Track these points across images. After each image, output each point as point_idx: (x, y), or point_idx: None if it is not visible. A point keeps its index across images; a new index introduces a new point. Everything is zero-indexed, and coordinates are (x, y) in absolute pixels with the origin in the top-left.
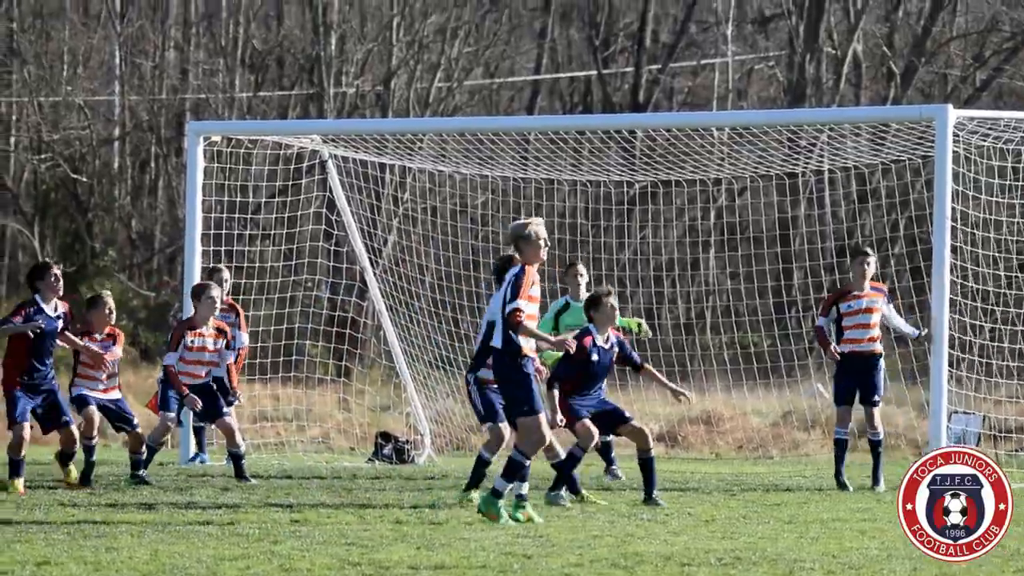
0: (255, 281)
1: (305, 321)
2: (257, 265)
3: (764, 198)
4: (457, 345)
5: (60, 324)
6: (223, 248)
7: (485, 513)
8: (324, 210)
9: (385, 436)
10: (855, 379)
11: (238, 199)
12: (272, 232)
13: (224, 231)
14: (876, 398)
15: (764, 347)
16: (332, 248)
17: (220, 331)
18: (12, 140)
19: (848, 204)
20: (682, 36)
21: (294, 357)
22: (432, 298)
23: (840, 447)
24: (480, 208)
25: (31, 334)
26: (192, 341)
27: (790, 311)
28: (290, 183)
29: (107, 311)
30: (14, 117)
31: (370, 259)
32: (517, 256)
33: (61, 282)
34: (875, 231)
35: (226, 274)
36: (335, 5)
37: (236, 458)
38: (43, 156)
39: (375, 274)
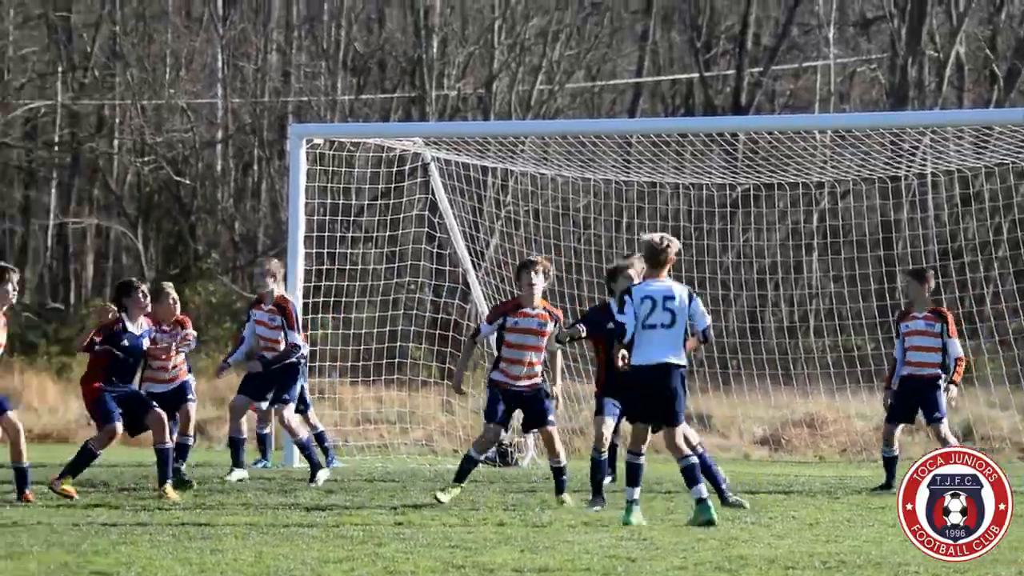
0: (358, 283)
1: (408, 324)
2: (360, 267)
3: (867, 201)
4: (558, 347)
5: (146, 343)
6: (325, 250)
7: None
8: (427, 212)
9: None
10: (914, 400)
11: (341, 201)
12: (375, 235)
13: (327, 233)
14: (937, 415)
15: (868, 350)
16: (435, 250)
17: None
18: (116, 142)
19: (951, 208)
20: (784, 39)
21: (397, 360)
22: None
23: (890, 464)
24: (582, 211)
25: (116, 353)
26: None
27: (893, 314)
28: (392, 186)
29: (171, 301)
30: (117, 120)
31: (472, 261)
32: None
33: (148, 299)
34: (978, 235)
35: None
36: (437, 8)
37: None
38: (146, 159)
39: (477, 276)
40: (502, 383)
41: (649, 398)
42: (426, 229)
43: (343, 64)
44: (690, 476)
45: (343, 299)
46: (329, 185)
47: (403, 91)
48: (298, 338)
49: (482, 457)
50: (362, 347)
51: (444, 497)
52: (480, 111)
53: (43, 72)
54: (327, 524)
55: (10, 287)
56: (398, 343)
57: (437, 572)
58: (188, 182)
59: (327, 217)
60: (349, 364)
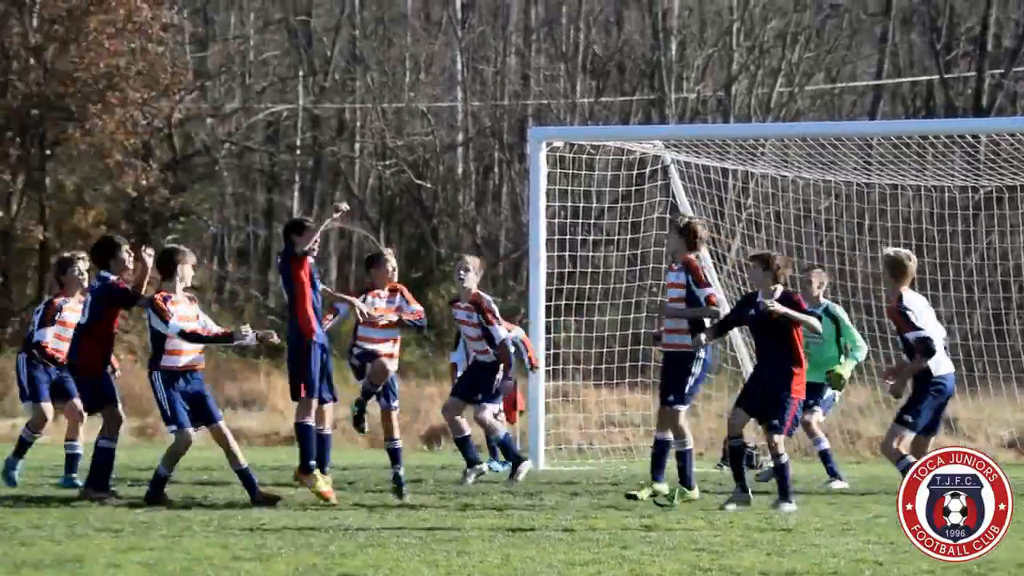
0: (599, 287)
1: (651, 326)
2: (602, 271)
3: None
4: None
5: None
6: (567, 253)
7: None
8: (667, 215)
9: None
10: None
11: (581, 204)
12: (616, 237)
13: (568, 236)
14: None
15: None
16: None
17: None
18: (357, 146)
19: None
20: None
21: (640, 362)
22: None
23: None
24: (823, 213)
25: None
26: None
27: None
28: (633, 188)
29: (390, 268)
30: (358, 123)
31: (714, 264)
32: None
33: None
34: None
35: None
36: (675, 10)
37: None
38: (388, 162)
39: (719, 279)
40: None
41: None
42: (667, 231)
43: (582, 67)
44: None
45: (585, 302)
46: (569, 188)
47: (642, 93)
48: (501, 331)
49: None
50: (605, 350)
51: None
52: (720, 113)
53: (284, 76)
54: (573, 527)
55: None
56: (641, 346)
57: (683, 575)
58: (429, 185)
59: (568, 220)
60: (592, 367)
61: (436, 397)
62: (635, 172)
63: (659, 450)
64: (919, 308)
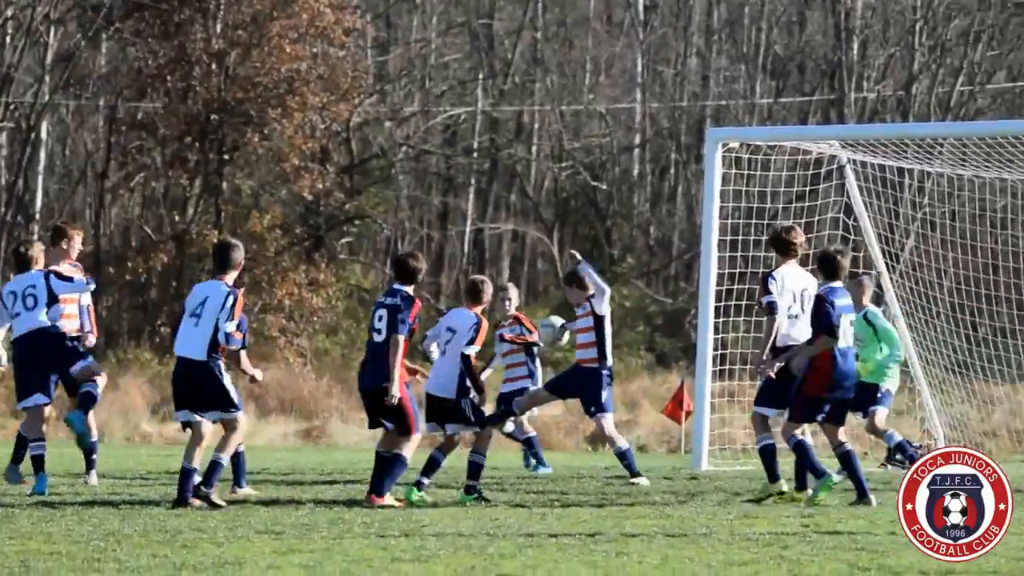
0: None
1: None
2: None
3: None
4: (975, 349)
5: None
6: (739, 254)
7: None
8: (841, 215)
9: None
10: None
11: (755, 205)
12: None
13: (741, 237)
14: None
15: None
16: (851, 253)
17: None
18: (534, 148)
19: None
20: None
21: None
22: (950, 302)
23: None
24: (1000, 212)
25: None
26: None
27: None
28: (808, 188)
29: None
30: (536, 125)
31: (887, 264)
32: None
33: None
34: None
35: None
36: (858, 10)
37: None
38: (564, 164)
39: (891, 279)
40: None
41: None
42: (840, 232)
43: (762, 67)
44: None
45: (754, 302)
46: (744, 188)
47: (821, 93)
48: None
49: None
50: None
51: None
52: (899, 113)
53: (464, 79)
54: (733, 527)
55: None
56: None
57: (842, 575)
58: (604, 187)
59: (741, 221)
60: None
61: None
62: (811, 172)
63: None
64: None
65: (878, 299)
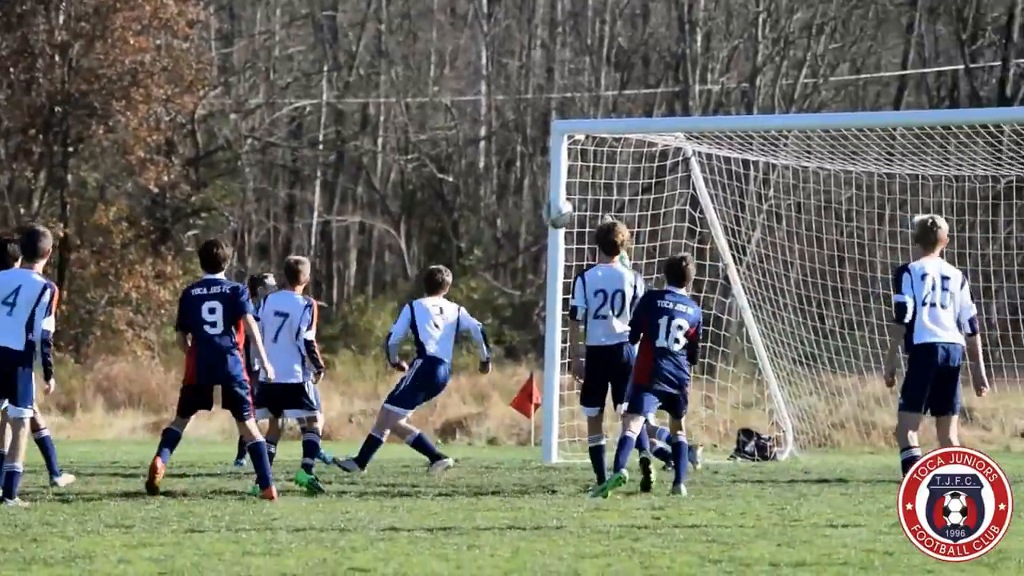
0: None
1: None
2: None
3: None
4: (822, 341)
5: None
6: (587, 246)
7: None
8: (687, 208)
9: (747, 433)
10: None
11: (602, 197)
12: (636, 230)
13: (588, 229)
14: None
15: None
16: (696, 245)
17: None
18: (379, 141)
19: None
20: None
21: None
22: (797, 294)
23: None
24: (845, 204)
25: None
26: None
27: None
28: (654, 181)
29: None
30: (382, 118)
31: (733, 256)
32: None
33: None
34: None
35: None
36: (701, 2)
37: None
38: (410, 156)
39: (738, 271)
40: None
41: (937, 381)
42: (687, 224)
43: (607, 60)
44: None
45: None
46: (591, 181)
47: (666, 86)
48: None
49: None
50: None
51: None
52: (743, 105)
53: (308, 71)
54: (584, 519)
55: None
56: None
57: (694, 567)
58: (451, 179)
59: (588, 213)
60: None
61: (452, 391)
62: (656, 164)
63: None
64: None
65: (725, 291)
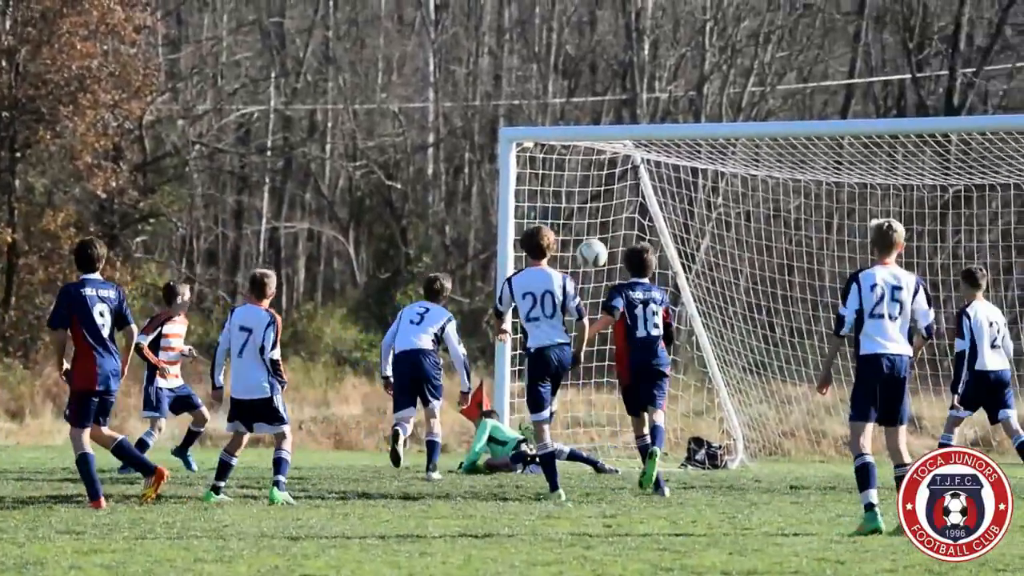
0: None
1: None
2: (570, 271)
3: None
4: (772, 349)
5: None
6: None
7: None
8: (636, 215)
9: (698, 441)
10: None
11: (551, 204)
12: (586, 237)
13: None
14: None
15: None
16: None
17: None
18: (327, 147)
19: None
20: (997, 39)
21: (607, 363)
22: (746, 302)
23: None
24: (793, 212)
25: None
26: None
27: None
28: (603, 188)
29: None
30: (329, 124)
31: (682, 264)
32: None
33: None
34: None
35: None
36: (648, 10)
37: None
38: (358, 163)
39: (687, 279)
40: None
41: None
42: (636, 232)
43: (554, 67)
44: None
45: None
46: (540, 188)
47: (614, 94)
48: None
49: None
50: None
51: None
52: (691, 113)
53: (256, 77)
54: (536, 528)
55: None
56: (608, 346)
57: (645, 575)
58: (399, 186)
59: (537, 220)
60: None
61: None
62: (605, 172)
63: None
64: None
65: (675, 299)
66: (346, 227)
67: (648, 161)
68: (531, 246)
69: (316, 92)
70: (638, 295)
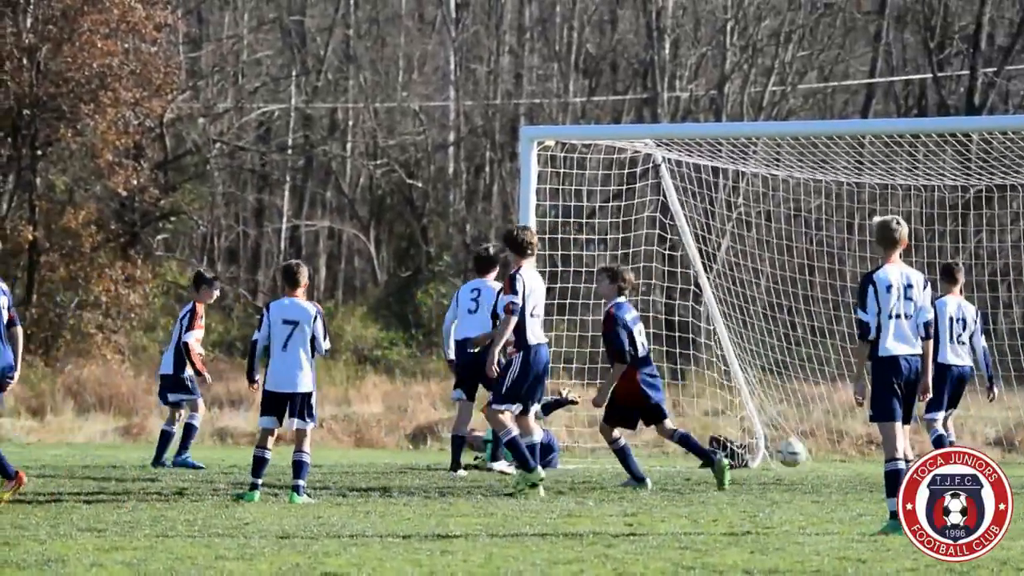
0: (592, 286)
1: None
2: (592, 269)
3: None
4: (792, 349)
5: None
6: (558, 252)
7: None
8: (658, 214)
9: (719, 440)
10: None
11: (572, 203)
12: (607, 236)
13: (559, 235)
14: None
15: None
16: (666, 252)
17: None
18: (348, 146)
19: None
20: (1019, 38)
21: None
22: (767, 302)
23: None
24: (814, 212)
25: None
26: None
27: None
28: (624, 187)
29: None
30: (350, 123)
31: (703, 263)
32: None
33: None
34: None
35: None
36: (669, 9)
37: None
38: (379, 162)
39: (709, 278)
40: None
41: (906, 391)
42: (657, 231)
43: (575, 66)
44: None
45: (577, 301)
46: (560, 187)
47: (634, 93)
48: None
49: None
50: (592, 349)
51: None
52: (712, 112)
53: (277, 76)
54: (557, 526)
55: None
56: None
57: (667, 573)
58: (420, 185)
59: (559, 219)
60: (586, 366)
61: (423, 396)
62: (626, 171)
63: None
64: None
65: (696, 298)
66: (367, 225)
67: (669, 160)
68: (515, 243)
69: (337, 90)
70: (628, 316)
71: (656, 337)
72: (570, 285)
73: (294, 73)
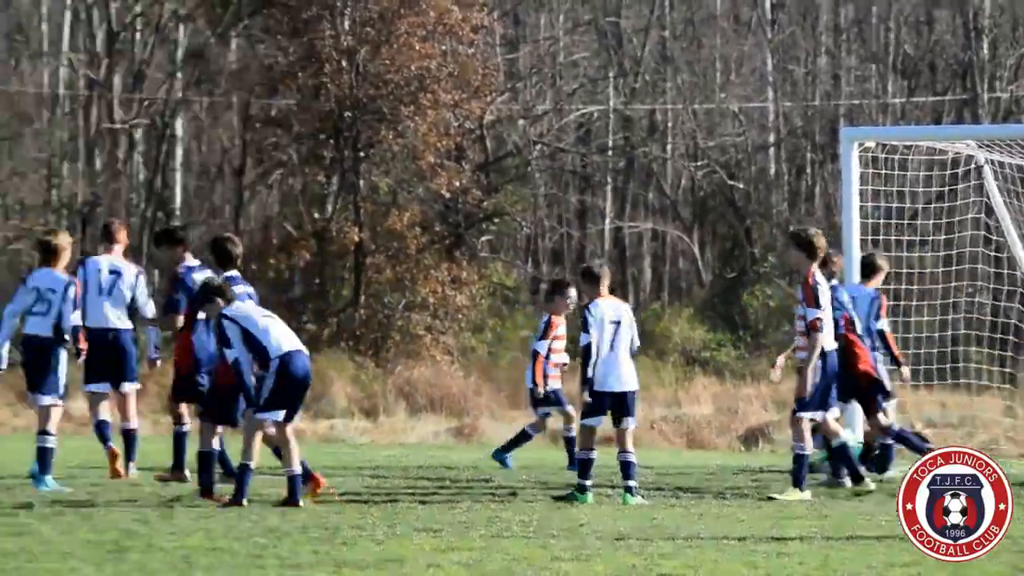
0: (915, 287)
1: (967, 327)
2: (916, 271)
3: None
4: None
5: None
6: (881, 253)
7: None
8: (982, 215)
9: None
10: None
11: (894, 205)
12: (930, 238)
13: (881, 237)
14: None
15: None
16: (992, 254)
17: None
18: (668, 147)
19: None
20: None
21: (961, 364)
22: None
23: None
24: None
25: None
26: None
27: None
28: (946, 188)
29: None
30: (669, 124)
31: None
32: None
33: None
34: None
35: None
36: (986, 10)
37: None
38: (699, 163)
39: None
40: None
41: None
42: (982, 232)
43: (893, 67)
44: None
45: (900, 303)
46: (883, 188)
47: (954, 93)
48: None
49: None
50: (921, 351)
51: None
52: None
53: (594, 77)
54: (894, 528)
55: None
56: (960, 347)
57: (1005, 574)
58: (741, 186)
59: (881, 221)
60: (909, 368)
61: (753, 398)
62: (948, 172)
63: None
64: None
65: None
66: (690, 227)
67: (992, 161)
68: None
69: (655, 92)
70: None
71: (983, 339)
72: (891, 287)
73: (611, 74)
